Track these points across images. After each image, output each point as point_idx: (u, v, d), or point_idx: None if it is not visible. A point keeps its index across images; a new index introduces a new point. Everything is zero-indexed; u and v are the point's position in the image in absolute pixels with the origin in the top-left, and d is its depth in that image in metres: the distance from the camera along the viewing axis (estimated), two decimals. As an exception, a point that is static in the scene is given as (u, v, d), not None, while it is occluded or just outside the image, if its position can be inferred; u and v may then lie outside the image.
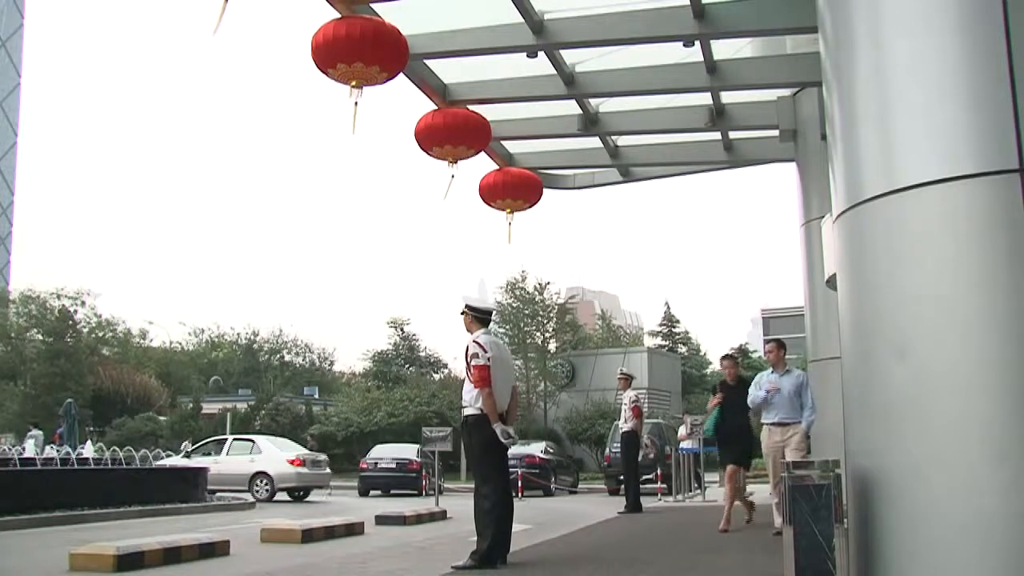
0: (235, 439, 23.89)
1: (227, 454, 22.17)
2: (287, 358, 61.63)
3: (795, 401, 9.36)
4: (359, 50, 7.93)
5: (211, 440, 24.86)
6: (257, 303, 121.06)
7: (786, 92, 11.38)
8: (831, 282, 6.68)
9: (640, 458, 15.40)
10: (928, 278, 3.63)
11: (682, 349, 57.70)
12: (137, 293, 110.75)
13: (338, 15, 8.06)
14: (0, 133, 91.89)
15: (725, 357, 11.38)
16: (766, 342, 10.32)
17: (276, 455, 21.88)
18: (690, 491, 19.75)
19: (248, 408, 43.32)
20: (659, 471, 19.93)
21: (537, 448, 25.80)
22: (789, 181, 12.40)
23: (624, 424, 14.82)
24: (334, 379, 61.21)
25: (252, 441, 23.26)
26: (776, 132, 11.59)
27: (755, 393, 9.60)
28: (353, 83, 8.18)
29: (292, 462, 21.58)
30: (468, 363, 7.45)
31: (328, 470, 23.21)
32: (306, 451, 23.59)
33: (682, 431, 20.34)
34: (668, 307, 60.54)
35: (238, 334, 61.68)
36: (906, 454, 3.64)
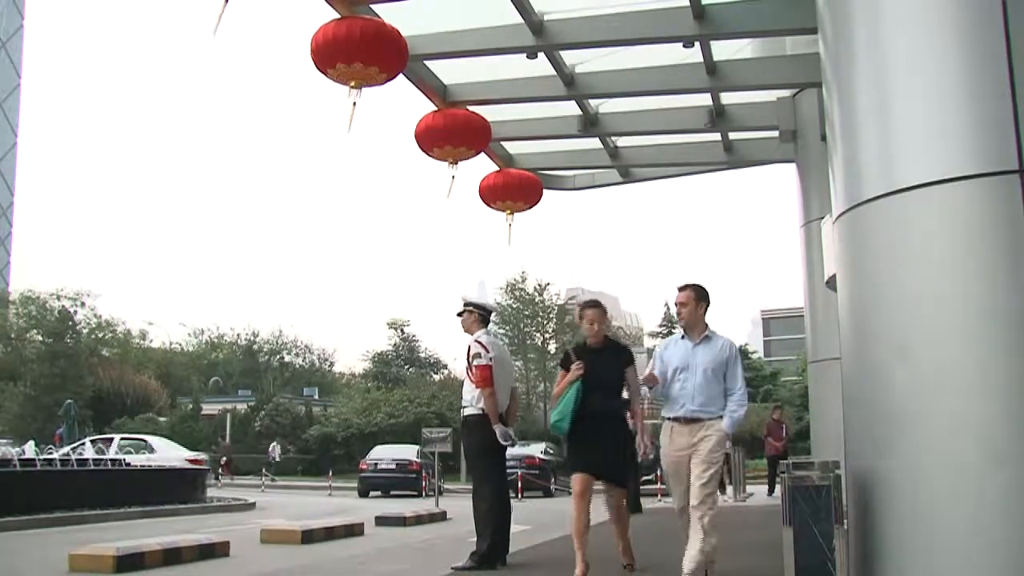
0: (123, 438, 24.34)
1: (114, 453, 22.24)
2: (287, 359, 61.70)
3: (714, 385, 6.08)
4: (359, 51, 7.93)
5: (88, 439, 24.76)
6: (257, 304, 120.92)
7: (786, 93, 11.38)
8: (831, 283, 6.68)
9: (640, 459, 15.38)
10: (928, 278, 3.64)
11: (682, 350, 57.56)
12: (137, 294, 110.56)
13: (338, 16, 8.06)
14: (0, 134, 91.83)
15: (588, 305, 7.01)
16: (680, 289, 6.37)
17: (175, 454, 22.39)
18: (742, 490, 19.63)
19: (248, 409, 43.34)
20: (659, 472, 19.90)
21: (537, 449, 25.81)
22: (789, 182, 12.40)
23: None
24: (334, 380, 61.26)
25: (144, 441, 23.84)
26: (776, 133, 11.58)
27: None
28: (352, 84, 8.18)
29: (192, 461, 22.29)
30: (469, 363, 7.43)
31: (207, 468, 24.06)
32: (191, 453, 24.13)
33: None
34: (668, 308, 60.45)
35: (238, 335, 61.74)
36: (906, 455, 3.64)
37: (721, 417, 6.04)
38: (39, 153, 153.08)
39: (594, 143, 12.57)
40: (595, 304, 7.01)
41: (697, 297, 6.26)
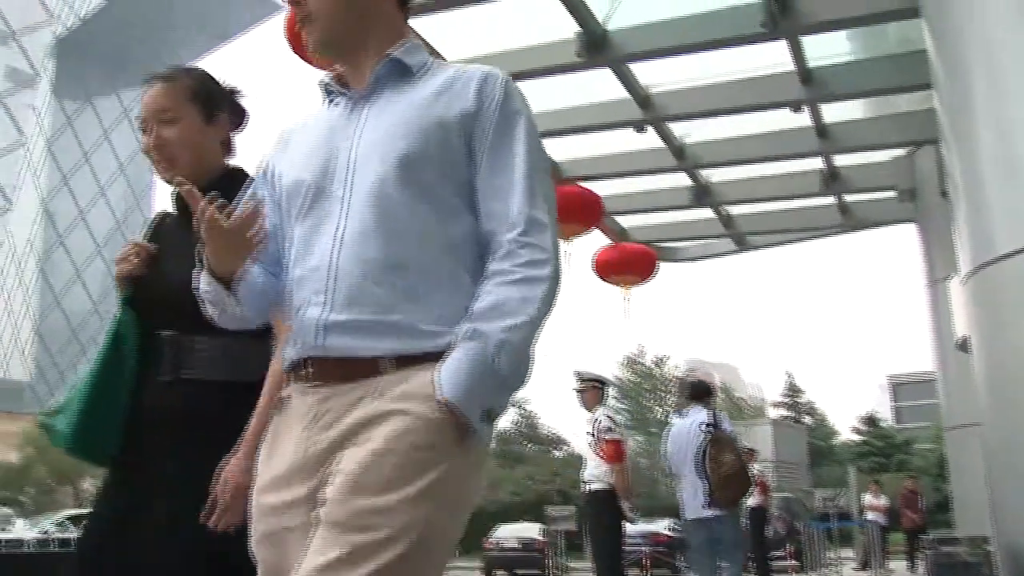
0: None
1: None
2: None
3: (418, 219, 1.68)
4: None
5: None
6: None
7: (900, 151, 11.14)
8: (962, 344, 6.42)
9: (771, 534, 14.91)
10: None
11: (807, 419, 56.06)
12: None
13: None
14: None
15: (149, 80, 2.43)
16: None
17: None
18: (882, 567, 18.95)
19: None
20: (789, 547, 19.23)
21: (662, 525, 25.31)
22: (908, 241, 12.08)
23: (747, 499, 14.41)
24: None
25: None
26: (892, 192, 11.33)
27: None
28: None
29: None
30: (597, 437, 7.33)
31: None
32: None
33: (871, 499, 19.84)
34: (790, 377, 59.03)
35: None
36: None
37: (441, 354, 1.56)
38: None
39: (707, 213, 12.48)
40: (167, 77, 2.48)
41: None
